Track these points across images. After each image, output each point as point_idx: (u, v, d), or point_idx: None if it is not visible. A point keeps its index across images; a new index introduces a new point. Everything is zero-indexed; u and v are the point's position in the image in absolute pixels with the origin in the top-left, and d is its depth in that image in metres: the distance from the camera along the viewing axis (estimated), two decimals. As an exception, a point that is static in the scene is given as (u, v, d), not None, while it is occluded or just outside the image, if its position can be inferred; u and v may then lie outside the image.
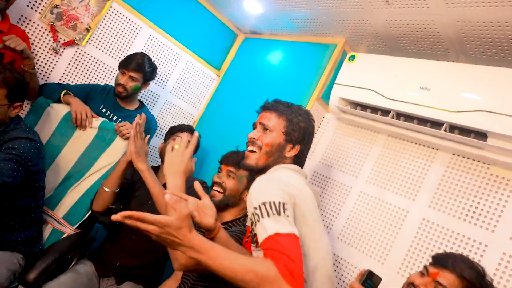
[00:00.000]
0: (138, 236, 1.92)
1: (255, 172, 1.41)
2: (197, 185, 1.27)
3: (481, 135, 1.54)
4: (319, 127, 2.28)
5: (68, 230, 1.91)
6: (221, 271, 1.00)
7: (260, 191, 1.19)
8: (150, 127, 2.32)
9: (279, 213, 1.11)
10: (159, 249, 1.96)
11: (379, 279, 1.27)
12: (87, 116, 2.03)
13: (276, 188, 1.18)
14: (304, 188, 1.29)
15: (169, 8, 2.61)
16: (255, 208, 1.15)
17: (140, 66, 2.16)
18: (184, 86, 2.83)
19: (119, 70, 2.18)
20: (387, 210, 1.81)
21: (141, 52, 2.24)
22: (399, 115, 1.80)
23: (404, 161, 1.86)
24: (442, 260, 1.22)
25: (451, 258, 1.21)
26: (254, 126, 1.47)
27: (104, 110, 2.22)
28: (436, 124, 1.68)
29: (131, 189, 2.07)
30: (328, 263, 1.28)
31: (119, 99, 2.25)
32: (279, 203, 1.13)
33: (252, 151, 1.40)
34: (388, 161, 1.91)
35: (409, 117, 1.78)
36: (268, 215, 1.11)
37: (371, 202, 1.88)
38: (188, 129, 2.17)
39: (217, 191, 1.77)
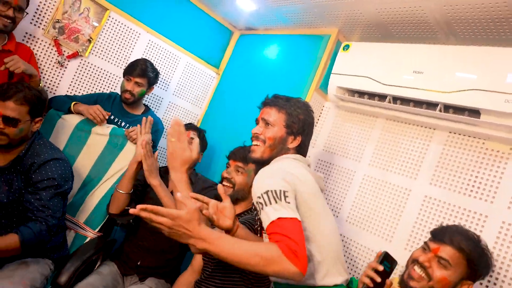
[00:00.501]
0: (156, 236, 2.01)
1: (261, 164, 1.50)
2: (220, 189, 1.38)
3: (475, 112, 1.62)
4: (319, 116, 2.36)
5: (90, 234, 2.02)
6: (230, 257, 1.11)
7: (262, 181, 1.28)
8: (157, 129, 2.41)
9: (280, 200, 1.20)
10: (176, 247, 2.06)
11: (395, 262, 1.33)
12: (100, 111, 2.13)
13: (277, 177, 1.28)
14: (305, 175, 1.38)
15: (165, 12, 2.68)
16: (259, 197, 1.25)
17: (144, 72, 2.24)
18: (185, 87, 2.92)
19: (124, 77, 2.27)
20: (391, 190, 1.91)
21: (144, 58, 2.32)
22: (395, 99, 1.88)
23: (404, 142, 1.95)
24: (440, 235, 1.31)
25: (448, 232, 1.30)
26: (256, 122, 1.55)
27: (112, 117, 2.31)
28: (431, 105, 1.76)
29: (145, 190, 2.16)
30: (333, 242, 1.37)
31: (126, 105, 2.34)
32: (280, 191, 1.22)
33: (257, 145, 1.49)
34: (388, 144, 2.00)
35: (405, 100, 1.86)
36: (270, 202, 1.21)
37: (375, 184, 1.98)
38: (192, 127, 2.28)
39: (226, 186, 1.86)
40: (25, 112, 1.65)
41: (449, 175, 1.75)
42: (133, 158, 1.92)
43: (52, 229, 1.65)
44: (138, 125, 2.21)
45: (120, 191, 1.92)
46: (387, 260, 1.31)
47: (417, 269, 1.29)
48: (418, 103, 1.81)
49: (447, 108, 1.70)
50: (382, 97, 1.93)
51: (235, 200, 1.85)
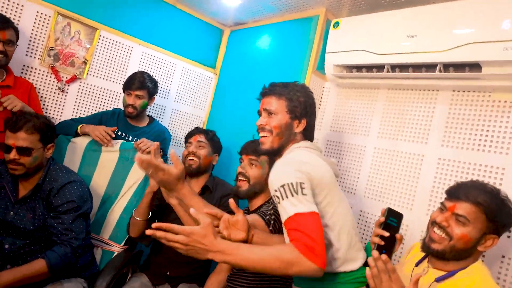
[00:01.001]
0: None
1: (272, 153, 1.50)
2: (231, 203, 1.38)
3: (475, 66, 1.60)
4: (321, 97, 2.35)
5: (116, 248, 2.06)
6: (250, 266, 1.13)
7: (278, 174, 1.28)
8: (164, 138, 2.44)
9: (297, 193, 1.20)
10: None
11: (400, 215, 1.32)
12: (106, 133, 2.16)
13: (291, 169, 1.27)
14: (318, 163, 1.38)
15: (154, 22, 2.70)
16: (275, 190, 1.24)
17: (142, 84, 2.27)
18: (185, 92, 2.94)
19: (124, 92, 2.30)
20: (404, 159, 1.89)
21: (140, 71, 2.35)
22: (393, 67, 1.87)
23: (409, 109, 1.93)
24: (455, 192, 1.28)
25: (462, 188, 1.28)
26: (259, 113, 1.54)
27: (119, 133, 2.35)
28: (430, 67, 1.74)
29: (164, 209, 2.13)
30: (350, 226, 1.37)
31: (130, 119, 2.37)
32: (296, 183, 1.22)
33: (265, 137, 1.48)
34: (394, 113, 1.99)
35: (403, 67, 1.84)
36: (287, 196, 1.20)
37: (387, 155, 1.97)
38: (198, 131, 2.24)
39: (242, 180, 1.87)
40: (36, 140, 1.71)
41: (460, 134, 1.73)
42: (148, 188, 1.90)
43: (77, 251, 1.69)
44: (146, 136, 2.25)
45: (137, 218, 1.94)
46: (392, 216, 1.30)
47: (437, 230, 1.27)
48: (417, 67, 1.79)
49: (446, 67, 1.68)
50: (380, 67, 1.92)
51: (253, 194, 1.86)
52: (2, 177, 1.80)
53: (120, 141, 2.22)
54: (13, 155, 1.66)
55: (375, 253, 1.13)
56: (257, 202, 1.88)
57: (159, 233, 1.09)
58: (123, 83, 2.34)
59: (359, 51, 1.96)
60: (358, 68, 2.03)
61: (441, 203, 1.33)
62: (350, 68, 2.07)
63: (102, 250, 2.09)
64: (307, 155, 1.39)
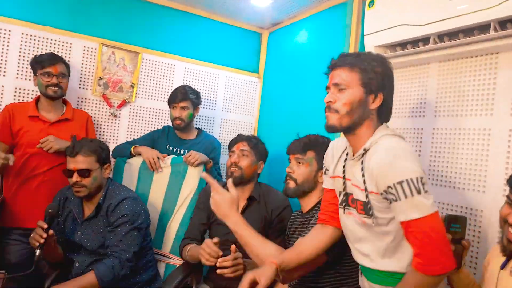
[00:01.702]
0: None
1: (341, 131, 1.31)
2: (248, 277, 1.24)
3: (538, 17, 1.36)
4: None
5: (178, 261, 2.10)
6: None
7: (395, 165, 1.12)
8: (214, 147, 2.46)
9: (419, 192, 1.08)
10: None
11: (463, 219, 1.20)
12: (158, 158, 2.24)
13: (411, 162, 1.12)
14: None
15: (191, 37, 2.77)
16: (390, 187, 1.11)
17: (185, 95, 2.33)
18: (232, 100, 2.96)
19: (169, 107, 2.38)
20: (468, 136, 1.67)
21: (182, 85, 2.42)
22: (440, 36, 1.67)
23: (466, 79, 1.71)
24: None
25: None
26: (327, 89, 1.34)
27: (170, 148, 2.42)
28: (482, 27, 1.52)
29: (213, 223, 2.07)
30: None
31: (179, 132, 2.43)
32: (417, 178, 1.09)
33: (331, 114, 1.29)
34: (450, 87, 1.77)
35: (451, 34, 1.64)
36: (411, 194, 1.08)
37: (448, 135, 1.75)
38: (241, 139, 2.09)
39: (289, 180, 1.79)
40: (93, 162, 1.84)
41: (532, 98, 1.48)
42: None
43: (126, 263, 1.75)
44: (196, 149, 2.29)
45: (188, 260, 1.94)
46: (453, 222, 1.19)
47: None
48: (467, 31, 1.58)
49: (502, 23, 1.46)
50: (426, 39, 1.73)
51: (302, 193, 1.77)
52: (69, 201, 1.95)
53: (171, 156, 2.29)
54: (75, 178, 1.80)
55: None
56: (309, 202, 1.79)
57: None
58: (168, 100, 2.41)
59: (399, 26, 1.79)
60: (402, 45, 1.85)
61: (507, 196, 1.13)
62: (394, 46, 1.90)
63: (165, 264, 2.15)
64: (408, 147, 1.22)
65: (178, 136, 2.45)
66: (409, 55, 1.84)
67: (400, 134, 1.31)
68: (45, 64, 2.07)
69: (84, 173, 1.80)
